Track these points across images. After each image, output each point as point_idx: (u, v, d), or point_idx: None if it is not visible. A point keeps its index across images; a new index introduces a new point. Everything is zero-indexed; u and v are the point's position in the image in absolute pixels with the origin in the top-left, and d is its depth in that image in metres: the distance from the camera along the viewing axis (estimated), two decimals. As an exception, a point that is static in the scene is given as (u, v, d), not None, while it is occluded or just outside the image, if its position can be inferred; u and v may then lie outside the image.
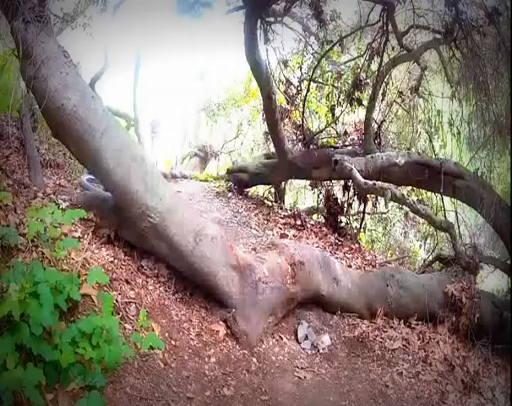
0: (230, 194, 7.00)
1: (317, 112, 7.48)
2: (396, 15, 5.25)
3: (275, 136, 6.29)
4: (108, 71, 9.70)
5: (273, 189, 7.71)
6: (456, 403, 3.51)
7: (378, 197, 6.20)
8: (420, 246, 7.37)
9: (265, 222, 6.01)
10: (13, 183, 3.81)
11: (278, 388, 3.19)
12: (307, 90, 6.48)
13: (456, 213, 5.14)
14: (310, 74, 6.57)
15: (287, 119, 6.90)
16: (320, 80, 6.90)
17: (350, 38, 6.64)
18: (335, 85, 6.55)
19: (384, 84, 5.82)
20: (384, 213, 7.56)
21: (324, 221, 6.56)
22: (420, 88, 6.09)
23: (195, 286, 3.68)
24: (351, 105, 6.04)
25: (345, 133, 6.56)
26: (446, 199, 5.35)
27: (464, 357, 4.00)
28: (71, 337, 2.37)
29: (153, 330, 3.04)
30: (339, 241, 5.91)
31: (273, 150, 6.89)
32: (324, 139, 6.72)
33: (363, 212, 6.68)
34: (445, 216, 5.19)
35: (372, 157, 4.62)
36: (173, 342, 3.13)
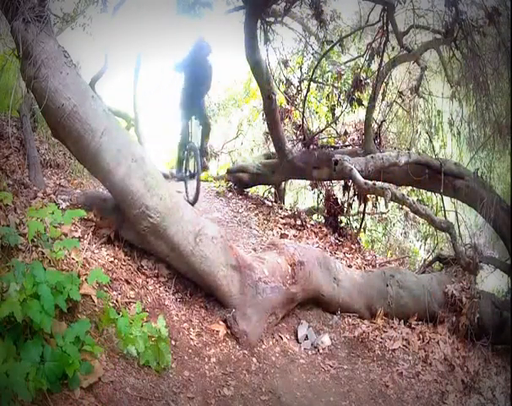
0: (230, 194, 6.99)
1: (317, 112, 7.48)
2: (396, 15, 5.25)
3: (274, 136, 6.29)
4: (108, 71, 9.71)
5: (273, 189, 7.70)
6: (456, 403, 3.51)
7: (378, 197, 6.20)
8: (420, 246, 7.36)
9: (265, 222, 6.01)
10: (13, 183, 3.80)
11: (278, 388, 3.19)
12: (307, 90, 6.48)
13: (456, 213, 5.14)
14: (310, 74, 6.57)
15: (287, 119, 6.90)
16: (320, 80, 6.90)
17: (350, 38, 6.65)
18: (335, 85, 6.55)
19: (384, 84, 5.82)
20: (384, 213, 7.55)
21: (324, 221, 6.56)
22: (420, 88, 6.09)
23: (195, 286, 3.68)
24: (351, 105, 6.05)
25: (345, 133, 6.56)
26: (446, 199, 5.34)
27: (464, 357, 4.00)
28: (73, 337, 2.36)
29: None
30: (339, 241, 5.90)
31: (273, 150, 6.89)
32: (324, 139, 6.72)
33: (363, 212, 6.67)
34: (445, 216, 5.18)
35: (372, 157, 4.60)
36: (173, 342, 3.13)
